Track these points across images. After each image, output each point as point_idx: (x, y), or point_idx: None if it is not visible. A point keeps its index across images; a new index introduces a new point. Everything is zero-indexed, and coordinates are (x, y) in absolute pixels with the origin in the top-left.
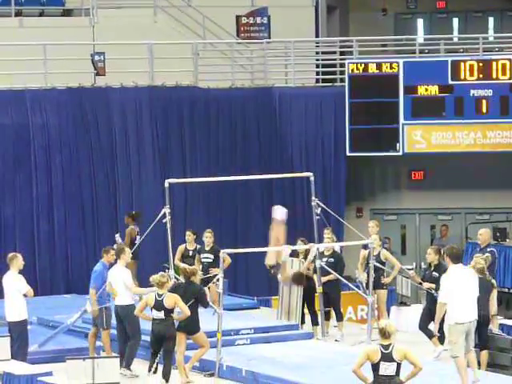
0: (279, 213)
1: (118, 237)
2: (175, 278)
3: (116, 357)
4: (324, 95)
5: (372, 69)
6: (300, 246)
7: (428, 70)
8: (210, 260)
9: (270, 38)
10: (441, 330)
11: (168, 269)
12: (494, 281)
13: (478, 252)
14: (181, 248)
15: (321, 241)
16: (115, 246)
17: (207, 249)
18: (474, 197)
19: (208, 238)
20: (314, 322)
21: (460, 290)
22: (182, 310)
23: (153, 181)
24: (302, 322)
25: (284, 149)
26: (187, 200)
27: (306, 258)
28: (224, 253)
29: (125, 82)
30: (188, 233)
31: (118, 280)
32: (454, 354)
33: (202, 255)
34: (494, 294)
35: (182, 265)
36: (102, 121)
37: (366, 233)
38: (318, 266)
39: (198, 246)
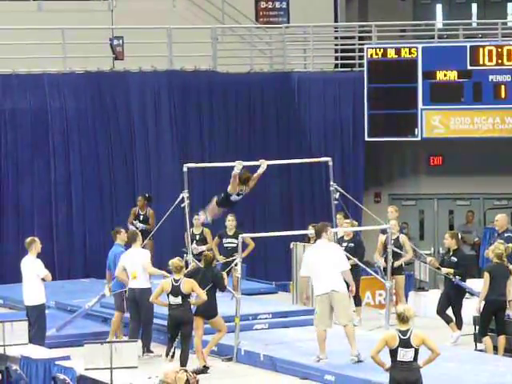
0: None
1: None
2: (194, 262)
3: (134, 341)
4: (343, 80)
5: (391, 54)
6: (311, 231)
7: (447, 55)
8: (234, 245)
9: (288, 22)
10: (458, 314)
11: (186, 253)
12: (511, 266)
13: (496, 237)
14: (187, 234)
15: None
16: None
17: (230, 233)
18: (493, 182)
19: (231, 221)
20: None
21: (316, 265)
22: (198, 295)
23: (171, 165)
24: None
25: (302, 134)
26: (205, 185)
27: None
28: (243, 237)
29: (143, 66)
30: (196, 216)
31: (137, 262)
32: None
33: (224, 239)
34: None
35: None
36: (120, 105)
37: (384, 218)
38: None
39: (206, 230)
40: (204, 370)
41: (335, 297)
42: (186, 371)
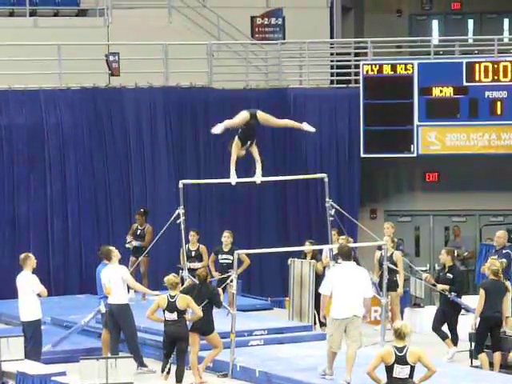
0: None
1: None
2: (190, 278)
3: (130, 356)
4: (338, 96)
5: (387, 70)
6: (308, 247)
7: (443, 71)
8: (230, 261)
9: (284, 38)
10: (454, 331)
11: (182, 269)
12: (508, 283)
13: (493, 254)
14: (183, 250)
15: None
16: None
17: (226, 249)
18: (489, 198)
19: (227, 237)
20: (323, 323)
21: (341, 286)
22: (194, 311)
23: (167, 181)
24: (315, 322)
25: (298, 150)
26: (201, 201)
27: (312, 258)
28: (239, 253)
29: (139, 82)
30: (192, 233)
31: (117, 278)
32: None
33: (219, 256)
34: (509, 297)
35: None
36: (116, 121)
37: (379, 234)
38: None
39: (201, 246)
40: None
41: (354, 322)
42: None
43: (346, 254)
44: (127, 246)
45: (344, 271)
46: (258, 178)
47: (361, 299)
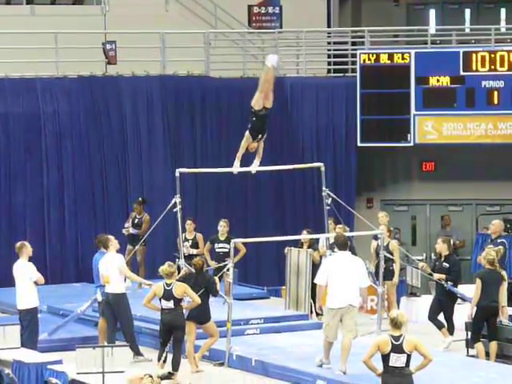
0: (271, 59)
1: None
2: (186, 267)
3: (126, 345)
4: (335, 85)
5: (384, 59)
6: (305, 236)
7: (440, 60)
8: (226, 250)
9: (281, 27)
10: (450, 320)
11: (178, 258)
12: (504, 272)
13: (489, 243)
14: (179, 238)
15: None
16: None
17: (222, 238)
18: (485, 188)
19: (223, 227)
20: (319, 314)
21: (336, 276)
22: (192, 298)
23: (163, 170)
24: (312, 311)
25: (295, 139)
26: (197, 189)
27: (309, 247)
28: (235, 242)
29: (136, 70)
30: (189, 221)
31: (113, 267)
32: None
33: (216, 245)
34: (504, 286)
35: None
36: (113, 110)
37: (376, 223)
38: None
39: (198, 235)
40: (169, 375)
41: (350, 311)
42: (150, 376)
43: (341, 244)
44: (124, 231)
45: (339, 261)
46: (254, 168)
47: (357, 289)
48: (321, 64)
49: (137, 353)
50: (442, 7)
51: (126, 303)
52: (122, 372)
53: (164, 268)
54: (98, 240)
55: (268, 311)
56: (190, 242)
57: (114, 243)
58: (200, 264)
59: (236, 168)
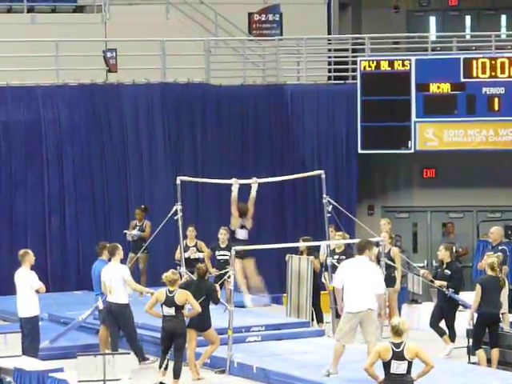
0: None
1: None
2: (187, 274)
3: (127, 353)
4: (336, 92)
5: (384, 66)
6: (302, 243)
7: (440, 67)
8: (227, 257)
9: (281, 35)
10: (451, 327)
11: (179, 265)
12: (505, 279)
13: (489, 250)
14: (180, 246)
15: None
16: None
17: (223, 246)
18: (486, 195)
19: (223, 234)
20: (319, 319)
21: (353, 280)
22: (192, 306)
23: (164, 177)
24: (313, 319)
25: (295, 146)
26: (198, 197)
27: (309, 256)
28: (236, 249)
29: (137, 78)
30: (191, 228)
31: (117, 277)
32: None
33: (217, 252)
34: (506, 292)
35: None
36: (113, 117)
37: (377, 230)
38: (330, 264)
39: (199, 242)
40: None
41: (370, 315)
42: None
43: (359, 248)
44: (128, 237)
45: (357, 265)
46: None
47: (372, 294)
48: (321, 71)
49: (143, 358)
50: (442, 14)
51: (130, 315)
52: (124, 379)
53: (168, 275)
54: (103, 247)
55: (269, 318)
56: (195, 249)
57: (120, 252)
58: (204, 270)
59: (236, 182)
